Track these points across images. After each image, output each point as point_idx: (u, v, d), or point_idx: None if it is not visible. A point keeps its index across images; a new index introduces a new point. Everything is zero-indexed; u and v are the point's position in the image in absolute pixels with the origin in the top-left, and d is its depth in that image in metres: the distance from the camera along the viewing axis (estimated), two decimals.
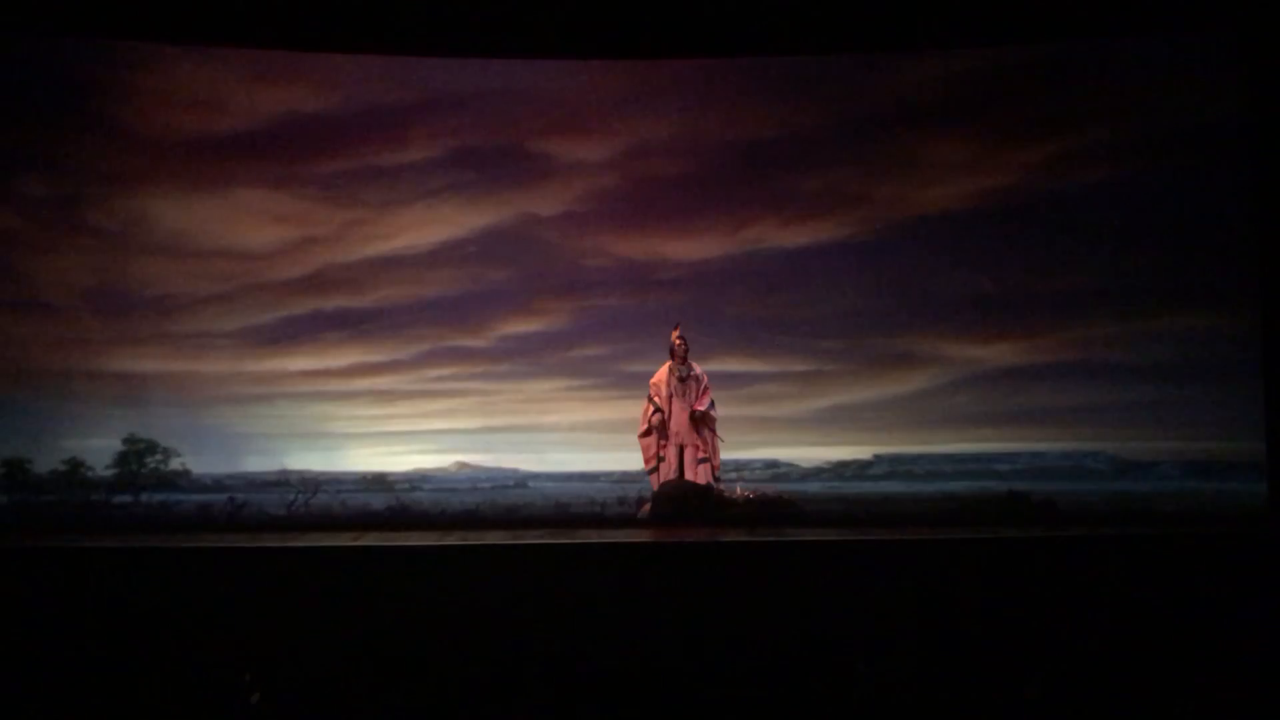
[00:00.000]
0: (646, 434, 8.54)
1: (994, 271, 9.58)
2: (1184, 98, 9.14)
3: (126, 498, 8.98)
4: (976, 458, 9.55)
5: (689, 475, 8.51)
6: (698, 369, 8.65)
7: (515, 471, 9.82)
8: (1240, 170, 8.77)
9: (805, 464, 9.74)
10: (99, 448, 9.08)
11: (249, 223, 9.54)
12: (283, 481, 9.23)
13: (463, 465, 9.82)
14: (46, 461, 8.93)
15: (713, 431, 8.56)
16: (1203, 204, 9.02)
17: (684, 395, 8.64)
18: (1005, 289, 9.58)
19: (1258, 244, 8.65)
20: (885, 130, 9.67)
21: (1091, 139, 9.44)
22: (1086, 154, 9.44)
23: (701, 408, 8.47)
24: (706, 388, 8.59)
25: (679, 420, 8.59)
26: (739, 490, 8.70)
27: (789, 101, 9.67)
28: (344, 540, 7.35)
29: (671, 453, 8.51)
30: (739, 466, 9.18)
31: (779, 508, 8.48)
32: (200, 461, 9.26)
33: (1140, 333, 9.35)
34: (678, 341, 8.58)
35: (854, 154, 9.75)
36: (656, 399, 8.51)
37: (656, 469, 8.54)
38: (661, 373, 8.60)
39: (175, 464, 9.18)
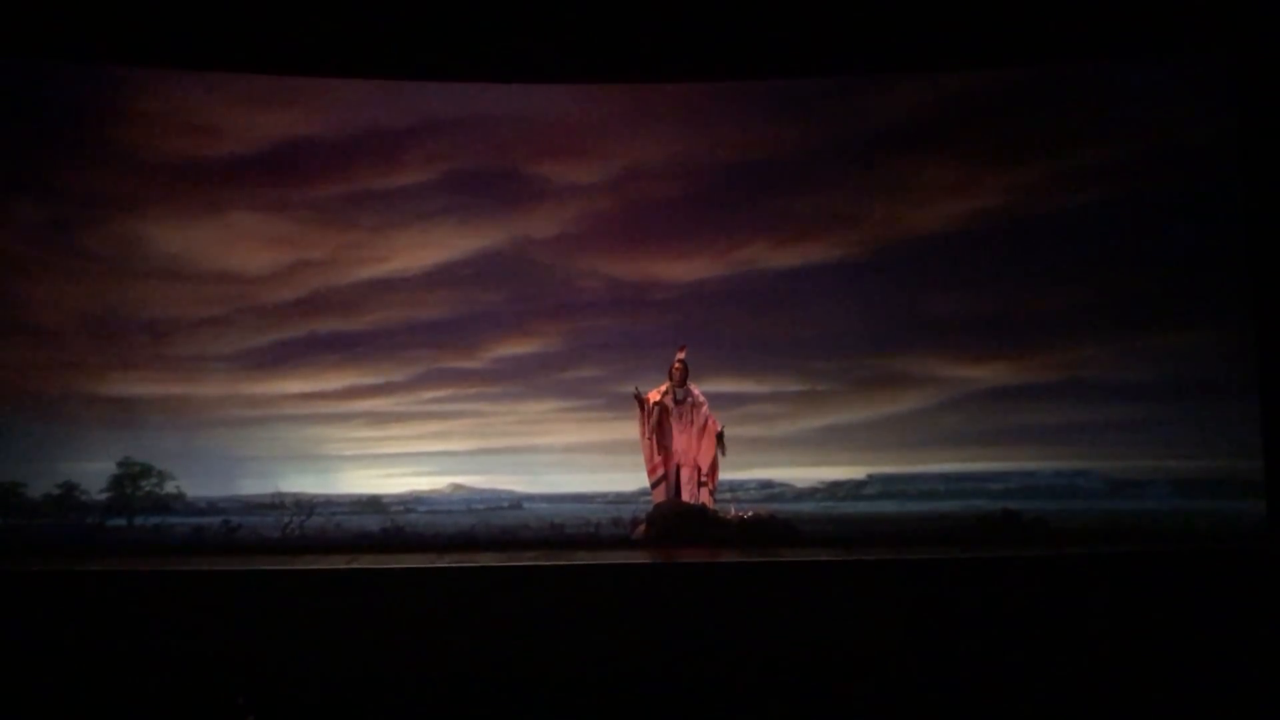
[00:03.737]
0: (648, 435, 8.61)
1: (986, 292, 9.61)
2: (1175, 118, 9.20)
3: (121, 521, 8.96)
4: (969, 477, 9.55)
5: (687, 497, 8.57)
6: (696, 391, 8.71)
7: (510, 493, 9.82)
8: (1231, 189, 8.84)
9: (799, 484, 9.75)
10: (93, 471, 9.07)
11: (244, 246, 9.56)
12: (277, 504, 9.22)
13: (457, 487, 9.82)
14: (41, 485, 8.92)
15: (722, 453, 8.65)
16: (1194, 223, 9.08)
17: (682, 418, 8.69)
18: (998, 309, 9.60)
19: (1250, 262, 8.71)
20: (877, 152, 9.72)
21: (1083, 159, 9.49)
22: (1079, 174, 9.49)
23: (720, 428, 8.58)
24: (709, 413, 8.67)
25: (680, 441, 8.64)
26: (733, 511, 8.71)
27: (781, 124, 9.72)
28: (339, 563, 7.35)
29: (673, 472, 8.60)
30: (733, 487, 9.19)
31: (773, 528, 8.50)
32: (195, 484, 9.24)
33: (1132, 352, 9.38)
34: (678, 365, 8.65)
35: (846, 176, 9.79)
36: (645, 402, 8.60)
37: (663, 480, 8.60)
38: (654, 393, 8.69)
39: (170, 487, 9.17)
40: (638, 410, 8.68)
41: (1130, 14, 8.58)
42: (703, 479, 8.64)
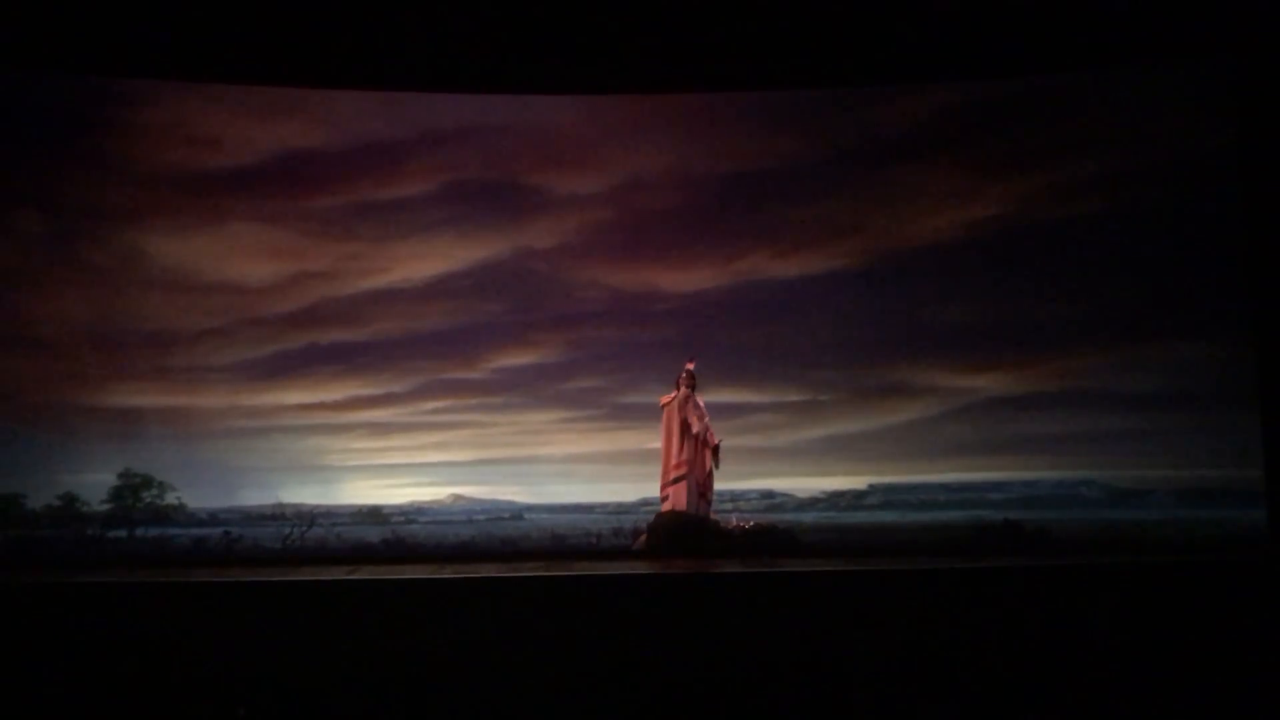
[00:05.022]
0: (681, 419, 8.64)
1: (987, 301, 9.61)
2: (1174, 128, 9.21)
3: (122, 532, 8.94)
4: (970, 487, 9.53)
5: (690, 506, 8.60)
6: (700, 402, 8.74)
7: (511, 503, 9.80)
8: (1231, 197, 8.85)
9: (800, 494, 9.73)
10: (94, 482, 9.05)
11: (245, 257, 9.56)
12: (278, 515, 9.20)
13: (458, 497, 9.80)
14: (42, 497, 8.90)
15: (716, 466, 8.68)
16: (1194, 232, 9.07)
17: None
18: (998, 318, 9.60)
19: (1249, 271, 8.72)
20: (877, 162, 9.72)
21: (1083, 169, 9.47)
22: (1078, 184, 9.47)
23: (716, 441, 8.61)
24: (707, 423, 8.70)
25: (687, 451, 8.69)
26: (735, 521, 8.73)
27: (781, 134, 9.73)
28: (339, 574, 7.36)
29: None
30: (734, 497, 9.20)
31: (774, 538, 8.52)
32: (196, 495, 9.22)
33: (1133, 361, 9.37)
34: (685, 376, 8.68)
35: (846, 185, 9.79)
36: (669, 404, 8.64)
37: (685, 478, 8.62)
38: (667, 397, 8.74)
39: (171, 498, 9.14)
40: (676, 391, 8.69)
41: (1128, 24, 8.59)
42: (701, 490, 8.66)
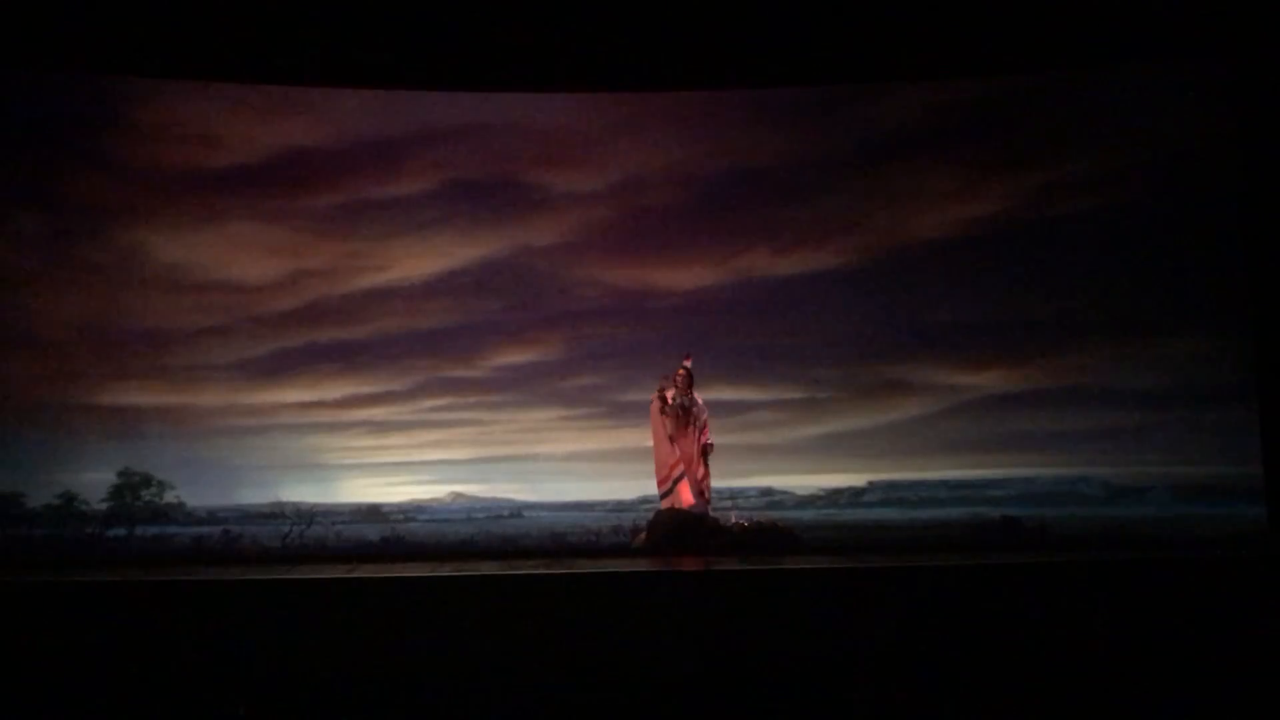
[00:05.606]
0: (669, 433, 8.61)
1: (986, 298, 9.62)
2: (1174, 125, 9.22)
3: (121, 531, 8.95)
4: (969, 484, 9.55)
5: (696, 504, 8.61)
6: (699, 399, 8.73)
7: (510, 501, 9.81)
8: (1230, 195, 8.86)
9: (800, 491, 9.74)
10: (94, 481, 9.06)
11: (244, 256, 9.57)
12: (277, 513, 9.21)
13: (457, 496, 9.81)
14: (41, 495, 8.90)
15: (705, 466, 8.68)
16: (1193, 229, 9.08)
17: (685, 425, 8.70)
18: (997, 316, 9.62)
19: (1248, 267, 8.73)
20: (876, 159, 9.74)
21: (1082, 167, 9.51)
22: (1077, 181, 9.51)
23: (708, 439, 8.59)
24: (706, 420, 8.69)
25: (682, 447, 8.65)
26: (734, 518, 8.72)
27: (780, 132, 9.74)
28: (339, 572, 7.36)
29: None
30: (734, 495, 9.20)
31: (774, 536, 8.51)
32: (195, 494, 9.23)
33: (1132, 358, 9.39)
34: (682, 373, 8.66)
35: (845, 183, 9.80)
36: (658, 405, 8.61)
37: (685, 477, 8.57)
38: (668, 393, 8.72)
39: (170, 497, 9.16)
40: (659, 405, 8.67)
41: (1129, 21, 8.59)
42: (699, 488, 8.66)
